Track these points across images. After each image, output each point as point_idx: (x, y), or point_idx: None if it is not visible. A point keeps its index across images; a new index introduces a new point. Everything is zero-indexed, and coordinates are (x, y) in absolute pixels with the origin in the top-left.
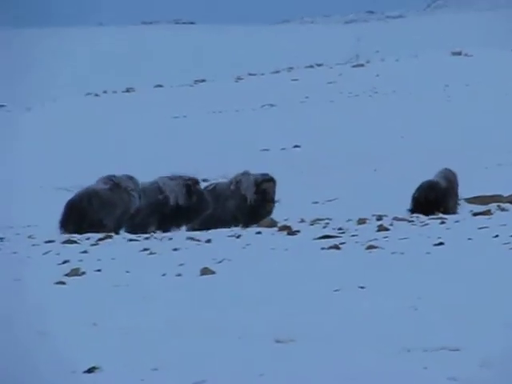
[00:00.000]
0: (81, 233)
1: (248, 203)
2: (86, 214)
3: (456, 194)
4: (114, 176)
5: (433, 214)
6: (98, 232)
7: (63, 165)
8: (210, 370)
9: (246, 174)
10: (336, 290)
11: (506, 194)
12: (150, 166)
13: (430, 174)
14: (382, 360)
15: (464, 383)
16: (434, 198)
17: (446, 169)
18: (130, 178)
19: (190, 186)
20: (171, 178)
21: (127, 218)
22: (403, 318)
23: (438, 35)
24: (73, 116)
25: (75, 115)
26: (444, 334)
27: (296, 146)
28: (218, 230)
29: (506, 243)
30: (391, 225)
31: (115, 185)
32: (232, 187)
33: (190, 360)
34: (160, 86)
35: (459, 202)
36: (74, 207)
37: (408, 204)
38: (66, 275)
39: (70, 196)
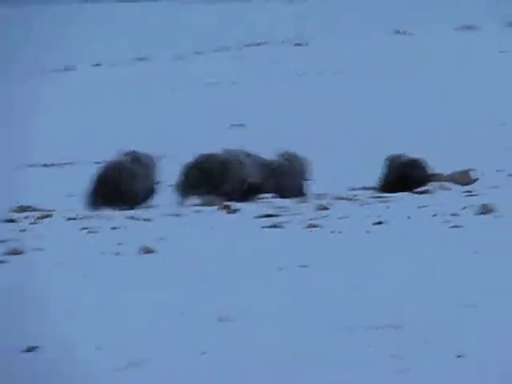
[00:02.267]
0: (111, 205)
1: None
2: (116, 186)
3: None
4: (136, 151)
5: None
6: (126, 204)
7: None
8: (152, 349)
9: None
10: (278, 269)
11: (446, 173)
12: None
13: (373, 154)
14: (325, 338)
15: (407, 361)
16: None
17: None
18: (149, 156)
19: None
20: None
21: (152, 192)
22: (346, 296)
23: (379, 14)
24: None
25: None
26: (387, 311)
27: (240, 125)
28: (157, 208)
29: (445, 222)
30: (331, 204)
31: (136, 158)
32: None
33: (131, 338)
34: (99, 64)
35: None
36: (104, 180)
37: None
38: (6, 254)
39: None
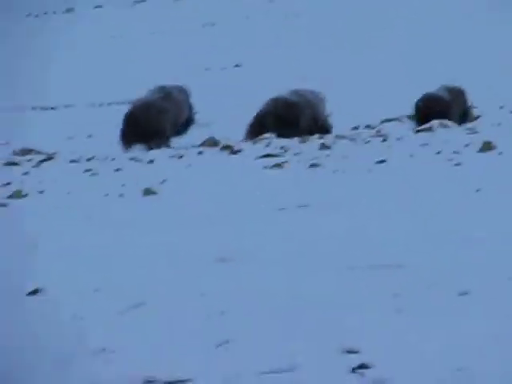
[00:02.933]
0: (142, 143)
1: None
2: (146, 124)
3: (459, 107)
4: (165, 86)
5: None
6: (156, 141)
7: None
8: (151, 291)
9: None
10: (280, 209)
11: None
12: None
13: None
14: (326, 278)
15: (408, 299)
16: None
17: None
18: (180, 89)
19: None
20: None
21: (179, 127)
22: (348, 236)
23: None
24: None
25: None
26: (388, 251)
27: (237, 66)
28: (160, 150)
29: (449, 160)
30: (333, 143)
31: (168, 94)
32: None
33: (131, 281)
34: (99, 6)
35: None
36: (133, 118)
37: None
38: (9, 197)
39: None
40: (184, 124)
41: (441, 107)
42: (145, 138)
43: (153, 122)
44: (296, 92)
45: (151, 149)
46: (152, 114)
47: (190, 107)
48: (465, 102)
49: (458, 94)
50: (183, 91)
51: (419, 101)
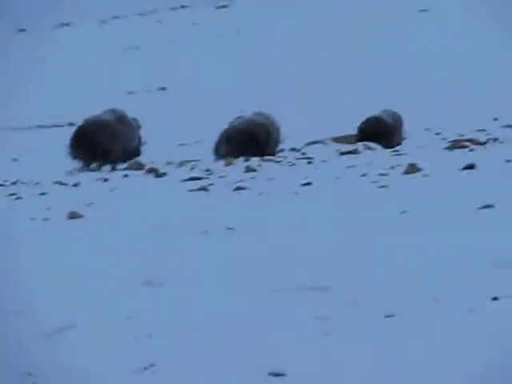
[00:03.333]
0: (90, 161)
1: None
2: (97, 142)
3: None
4: (118, 109)
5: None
6: (105, 160)
7: None
8: (78, 314)
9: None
10: (203, 232)
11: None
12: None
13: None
14: (250, 301)
15: (335, 322)
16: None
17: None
18: (133, 117)
19: None
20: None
21: (129, 151)
22: (271, 258)
23: None
24: None
25: None
26: (312, 274)
27: (162, 88)
28: (85, 174)
29: (373, 182)
30: (259, 165)
31: (122, 117)
32: None
33: (57, 304)
34: (23, 30)
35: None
36: (85, 135)
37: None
38: None
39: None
40: (132, 151)
41: (384, 130)
42: (94, 155)
43: (106, 141)
44: (260, 114)
45: (99, 166)
46: (106, 133)
47: (139, 137)
48: (402, 126)
49: (399, 119)
50: (135, 120)
51: (363, 123)
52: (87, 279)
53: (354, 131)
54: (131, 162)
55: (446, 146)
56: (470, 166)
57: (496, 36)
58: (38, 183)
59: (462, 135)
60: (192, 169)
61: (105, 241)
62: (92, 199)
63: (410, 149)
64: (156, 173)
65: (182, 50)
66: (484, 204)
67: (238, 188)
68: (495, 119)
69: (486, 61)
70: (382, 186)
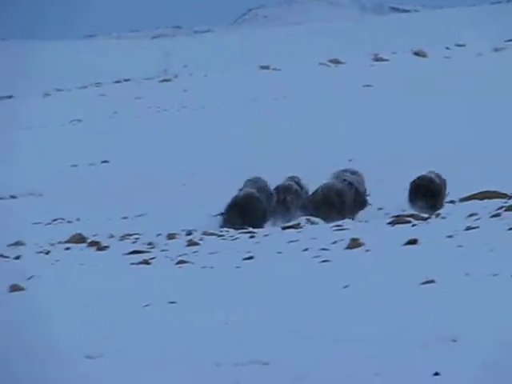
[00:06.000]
0: (239, 227)
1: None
2: (249, 212)
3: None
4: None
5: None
6: (253, 226)
7: None
8: None
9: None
10: (146, 306)
11: None
12: None
13: (236, 188)
14: (191, 376)
15: None
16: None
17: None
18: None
19: None
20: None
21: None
22: (214, 332)
23: (246, 50)
24: None
25: None
26: (255, 348)
27: (104, 162)
28: (27, 247)
29: (315, 256)
30: (201, 239)
31: (261, 188)
32: None
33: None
34: None
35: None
36: (240, 205)
37: None
38: None
39: None
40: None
41: (339, 197)
42: (244, 223)
43: (256, 211)
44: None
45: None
46: (256, 204)
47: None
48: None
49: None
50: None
51: (319, 188)
52: (28, 352)
53: None
54: (73, 235)
55: (389, 221)
56: (413, 242)
57: None
58: None
59: (404, 210)
60: (134, 242)
61: (46, 314)
62: (34, 272)
63: (352, 224)
64: (98, 246)
65: (125, 122)
66: (425, 279)
67: (181, 262)
68: None
69: None
70: (324, 261)
